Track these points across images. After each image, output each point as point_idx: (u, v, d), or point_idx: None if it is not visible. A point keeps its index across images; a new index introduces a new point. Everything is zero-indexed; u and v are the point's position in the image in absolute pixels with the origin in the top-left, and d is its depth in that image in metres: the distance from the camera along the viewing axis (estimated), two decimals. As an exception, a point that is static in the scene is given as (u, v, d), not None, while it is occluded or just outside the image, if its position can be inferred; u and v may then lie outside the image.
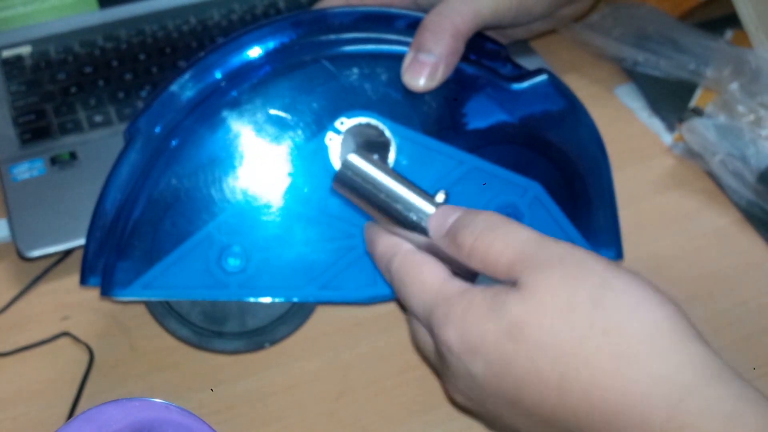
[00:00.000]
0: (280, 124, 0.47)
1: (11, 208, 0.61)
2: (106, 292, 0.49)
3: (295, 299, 0.49)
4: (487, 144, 0.48)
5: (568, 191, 0.47)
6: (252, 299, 0.49)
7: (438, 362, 0.44)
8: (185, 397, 0.53)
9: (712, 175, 0.65)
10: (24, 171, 0.65)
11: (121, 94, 0.71)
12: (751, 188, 0.62)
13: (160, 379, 0.54)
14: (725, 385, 0.35)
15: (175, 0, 0.80)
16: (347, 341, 0.55)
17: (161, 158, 0.47)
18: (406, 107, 0.49)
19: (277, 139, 0.47)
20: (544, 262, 0.39)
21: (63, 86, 0.72)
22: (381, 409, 0.52)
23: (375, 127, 0.48)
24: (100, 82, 0.72)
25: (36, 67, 0.74)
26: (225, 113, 0.47)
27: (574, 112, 0.50)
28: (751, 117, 0.65)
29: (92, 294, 0.59)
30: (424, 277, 0.43)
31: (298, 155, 0.48)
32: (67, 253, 0.61)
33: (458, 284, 0.42)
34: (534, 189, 0.46)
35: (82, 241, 0.59)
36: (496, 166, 0.47)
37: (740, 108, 0.66)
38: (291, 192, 0.48)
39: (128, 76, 0.73)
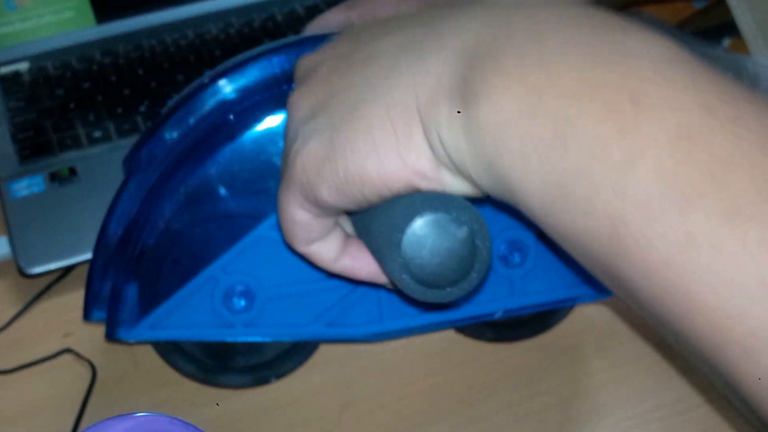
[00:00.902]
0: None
1: (11, 225, 0.61)
2: (110, 335, 0.49)
3: (301, 338, 0.49)
4: None
5: None
6: (258, 339, 0.49)
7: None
8: (189, 412, 0.53)
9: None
10: (23, 187, 0.64)
11: (119, 110, 0.71)
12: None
13: (164, 394, 0.54)
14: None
15: (173, 14, 0.80)
16: (350, 354, 0.55)
17: (168, 195, 0.47)
18: None
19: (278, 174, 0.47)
20: None
21: (61, 102, 0.72)
22: (385, 422, 0.52)
23: None
24: (99, 98, 0.72)
25: (34, 83, 0.74)
26: (228, 147, 0.47)
27: None
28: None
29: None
30: None
31: None
32: (68, 269, 0.61)
33: None
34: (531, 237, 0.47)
35: (83, 257, 0.59)
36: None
37: (739, 115, 0.66)
38: None
39: (127, 92, 0.73)
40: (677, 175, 0.28)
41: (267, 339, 0.49)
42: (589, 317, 0.55)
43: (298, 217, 0.39)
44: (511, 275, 0.44)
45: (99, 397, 0.54)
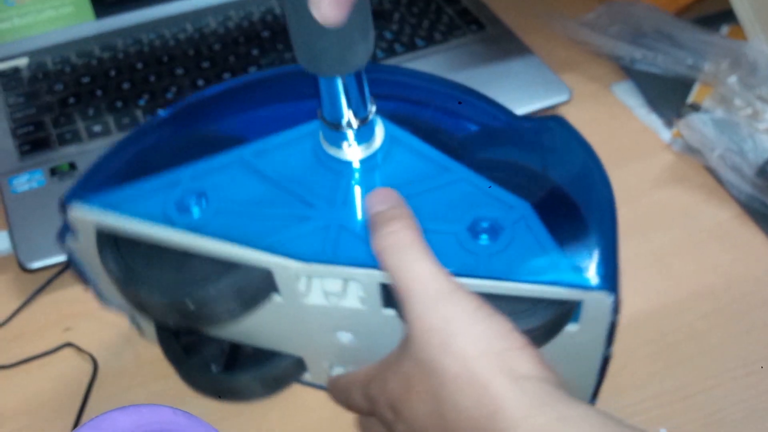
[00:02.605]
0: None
1: (12, 220, 0.62)
2: (68, 198, 0.48)
3: (237, 257, 0.46)
4: (485, 162, 0.47)
5: (564, 220, 0.46)
6: (195, 246, 0.46)
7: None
8: (190, 404, 0.53)
9: (711, 171, 0.65)
10: (23, 182, 0.65)
11: (119, 104, 0.71)
12: (750, 182, 0.62)
13: (165, 386, 0.54)
14: (547, 411, 0.37)
15: (172, 8, 0.80)
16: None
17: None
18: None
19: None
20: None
21: (61, 97, 0.72)
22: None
23: None
24: (98, 92, 0.72)
25: (33, 79, 0.74)
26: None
27: (582, 148, 0.49)
28: (749, 111, 0.66)
29: (95, 304, 0.59)
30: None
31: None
32: (69, 263, 0.61)
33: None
34: (522, 208, 0.45)
35: (83, 252, 0.59)
36: (486, 180, 0.46)
37: (737, 101, 0.66)
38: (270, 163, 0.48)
39: (126, 86, 0.73)
40: None
41: (204, 248, 0.46)
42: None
43: None
44: (477, 249, 0.44)
45: (100, 391, 0.54)
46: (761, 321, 0.56)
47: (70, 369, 0.55)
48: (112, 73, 0.74)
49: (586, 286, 0.42)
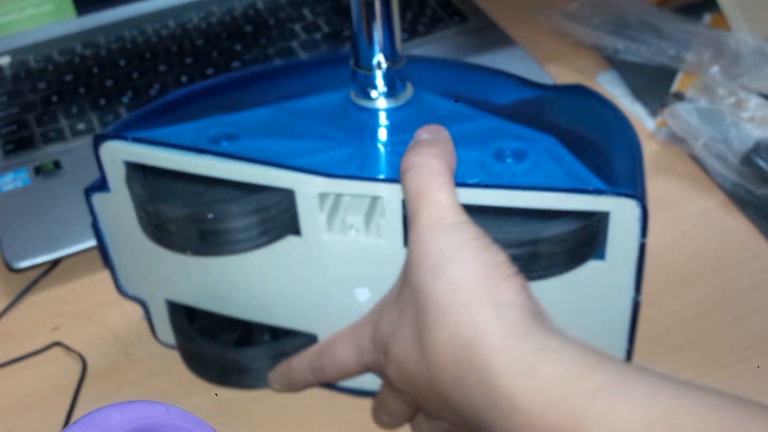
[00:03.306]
0: None
1: (-3, 220, 0.61)
2: (99, 137, 0.48)
3: (265, 169, 0.46)
4: (514, 115, 0.48)
5: (592, 156, 0.46)
6: (223, 167, 0.46)
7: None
8: (182, 401, 0.53)
9: (695, 159, 0.65)
10: (8, 182, 0.64)
11: (102, 101, 0.71)
12: (735, 170, 0.62)
13: (155, 384, 0.54)
14: (528, 340, 0.37)
15: (153, 4, 0.80)
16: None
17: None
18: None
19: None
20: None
21: (44, 95, 0.72)
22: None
23: None
24: (81, 90, 0.72)
25: (16, 77, 0.74)
26: None
27: (605, 106, 0.50)
28: (732, 99, 0.66)
29: (83, 303, 0.59)
30: (343, 356, 0.47)
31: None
32: (56, 262, 0.61)
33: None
34: (549, 141, 0.45)
35: (70, 250, 0.59)
36: (513, 124, 0.46)
37: (721, 91, 0.66)
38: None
39: (109, 83, 0.72)
40: None
41: (229, 172, 0.46)
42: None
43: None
44: (502, 167, 0.44)
45: (90, 390, 0.54)
46: (748, 308, 0.56)
47: (59, 368, 0.55)
48: (95, 70, 0.74)
49: (613, 191, 0.41)
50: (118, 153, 0.48)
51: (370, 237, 0.46)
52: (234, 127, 0.47)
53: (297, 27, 0.77)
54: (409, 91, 0.49)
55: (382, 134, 0.47)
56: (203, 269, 0.50)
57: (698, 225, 0.62)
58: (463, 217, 0.40)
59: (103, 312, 0.58)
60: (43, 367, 0.55)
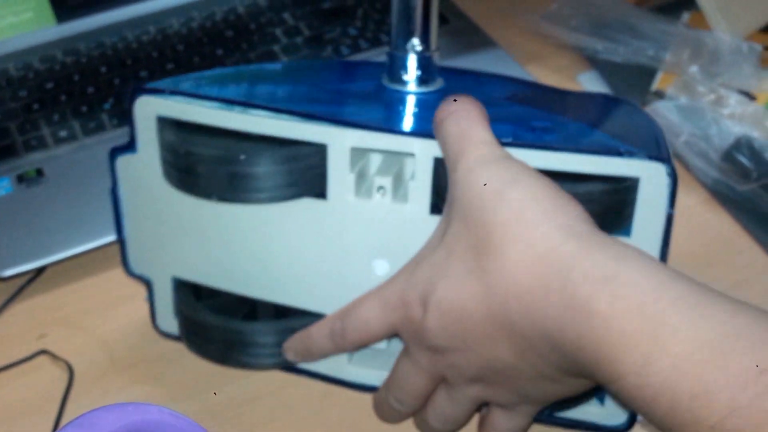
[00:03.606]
0: None
1: (-20, 229, 0.61)
2: (135, 92, 0.49)
3: (298, 122, 0.47)
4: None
5: (619, 136, 0.47)
6: (256, 122, 0.47)
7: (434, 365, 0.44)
8: (170, 407, 0.52)
9: (677, 156, 0.66)
10: (-9, 191, 0.64)
11: (84, 108, 0.70)
12: (716, 167, 0.63)
13: (143, 391, 0.54)
14: (605, 249, 0.37)
15: (133, 10, 0.80)
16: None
17: None
18: None
19: None
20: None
21: (25, 103, 0.71)
22: (367, 406, 0.52)
23: None
24: (63, 97, 0.71)
25: (-4, 86, 0.73)
26: None
27: (624, 104, 0.52)
28: (712, 97, 0.67)
29: (69, 310, 0.58)
30: (368, 315, 0.46)
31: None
32: (41, 270, 0.60)
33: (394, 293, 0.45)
34: (577, 125, 0.48)
35: (55, 257, 0.59)
36: (540, 110, 0.49)
37: (700, 89, 0.67)
38: None
39: (90, 90, 0.72)
40: None
41: (262, 126, 0.47)
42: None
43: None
44: (533, 138, 0.45)
45: (78, 397, 0.54)
46: (732, 303, 0.56)
47: (46, 376, 0.55)
48: (76, 77, 0.73)
49: (644, 155, 0.42)
50: (153, 106, 0.48)
51: (396, 202, 0.46)
52: (269, 94, 0.49)
53: (278, 31, 0.77)
54: (439, 82, 0.50)
55: (410, 110, 0.49)
56: (219, 233, 0.50)
57: (681, 222, 0.62)
58: (506, 152, 0.42)
59: (89, 319, 0.58)
60: (30, 375, 0.55)
